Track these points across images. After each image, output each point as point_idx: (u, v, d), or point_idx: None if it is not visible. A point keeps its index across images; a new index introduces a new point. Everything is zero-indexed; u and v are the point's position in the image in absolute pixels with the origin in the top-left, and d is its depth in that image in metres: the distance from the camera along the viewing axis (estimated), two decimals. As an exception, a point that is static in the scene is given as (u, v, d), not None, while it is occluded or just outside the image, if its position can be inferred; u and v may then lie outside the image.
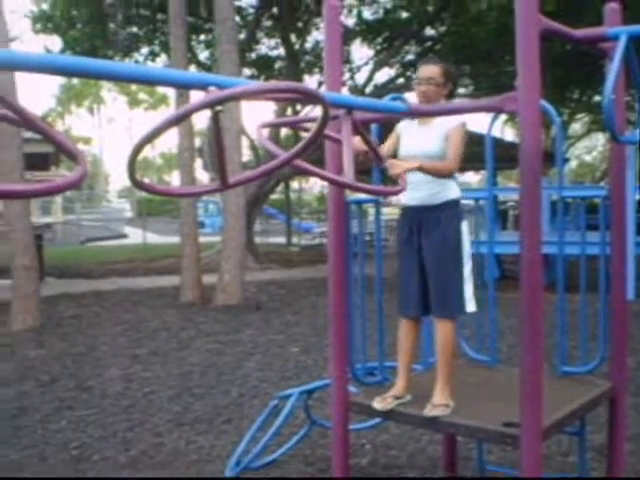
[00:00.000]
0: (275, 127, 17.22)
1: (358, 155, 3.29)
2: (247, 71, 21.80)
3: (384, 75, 23.01)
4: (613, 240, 4.07)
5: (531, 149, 3.12)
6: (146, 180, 2.66)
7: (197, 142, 20.44)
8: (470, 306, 3.90)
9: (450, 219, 3.86)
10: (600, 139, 49.50)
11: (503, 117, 20.80)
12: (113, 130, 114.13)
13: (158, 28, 20.32)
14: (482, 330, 4.64)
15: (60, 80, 61.35)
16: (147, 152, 60.30)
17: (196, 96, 2.28)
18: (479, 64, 19.93)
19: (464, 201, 4.10)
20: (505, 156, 8.66)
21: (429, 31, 20.22)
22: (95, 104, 70.04)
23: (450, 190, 3.91)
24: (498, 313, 4.63)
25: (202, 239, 15.00)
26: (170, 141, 68.47)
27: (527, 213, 3.17)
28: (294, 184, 33.36)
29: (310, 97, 2.52)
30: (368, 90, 20.62)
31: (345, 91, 16.43)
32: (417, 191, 3.86)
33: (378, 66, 21.05)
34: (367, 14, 20.53)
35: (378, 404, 3.83)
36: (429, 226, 3.87)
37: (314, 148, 2.62)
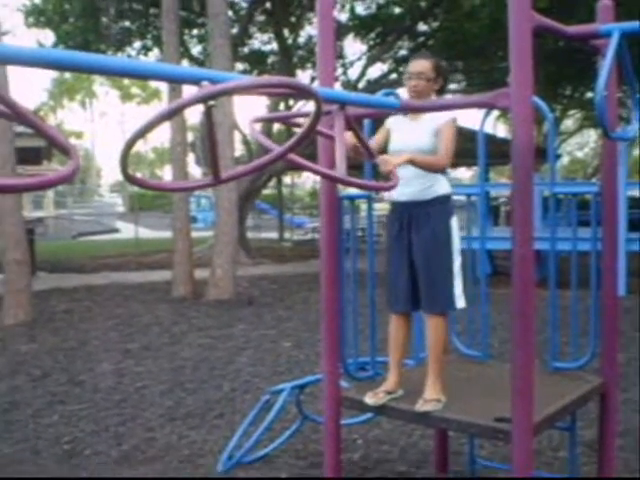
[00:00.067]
0: (268, 122, 17.20)
1: (348, 150, 3.29)
2: (240, 66, 21.76)
3: (377, 70, 23.03)
4: (604, 236, 4.09)
5: (523, 145, 3.13)
6: (138, 175, 2.66)
7: (190, 137, 20.39)
8: (460, 302, 3.91)
9: (440, 215, 3.87)
10: (592, 135, 49.59)
11: (495, 113, 20.82)
12: (105, 124, 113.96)
13: (151, 22, 20.27)
14: (474, 325, 4.66)
15: (52, 74, 61.30)
16: (139, 146, 60.16)
17: (189, 91, 2.28)
18: (472, 60, 19.94)
19: (456, 197, 4.11)
20: (497, 152, 8.68)
21: (422, 26, 20.20)
22: (87, 98, 69.89)
23: (440, 185, 3.91)
24: (490, 309, 4.64)
25: (194, 234, 14.98)
26: (162, 135, 68.47)
27: (519, 209, 3.18)
28: (286, 179, 33.30)
29: (303, 92, 2.52)
30: (361, 85, 20.60)
31: (338, 86, 16.42)
32: (407, 186, 3.86)
33: (371, 61, 21.03)
34: (360, 9, 20.50)
35: (370, 399, 3.84)
36: (419, 222, 3.87)
37: (307, 143, 2.63)
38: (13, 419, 6.16)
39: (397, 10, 19.91)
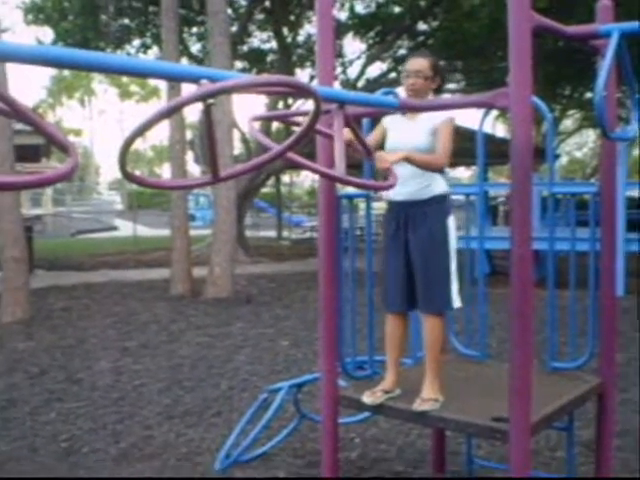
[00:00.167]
0: (267, 120, 17.21)
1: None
2: (239, 64, 21.76)
3: (376, 69, 23.03)
4: (603, 236, 4.09)
5: (522, 145, 3.13)
6: (137, 173, 2.66)
7: (188, 135, 20.41)
8: (456, 302, 3.91)
9: (437, 214, 3.86)
10: (591, 135, 49.64)
11: (494, 113, 20.83)
12: (104, 122, 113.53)
13: (150, 20, 20.27)
14: (472, 325, 4.66)
15: (51, 72, 61.19)
16: (138, 144, 60.15)
17: (188, 89, 2.28)
18: (471, 59, 19.94)
19: (455, 196, 4.11)
20: (496, 152, 8.69)
21: (421, 26, 20.21)
22: (86, 96, 69.88)
23: (437, 185, 3.90)
24: (488, 308, 4.64)
25: (193, 232, 14.98)
26: (161, 134, 68.38)
27: (518, 209, 3.18)
28: (285, 178, 33.35)
29: (302, 91, 2.52)
30: (360, 84, 20.61)
31: (337, 85, 16.42)
32: (404, 186, 3.84)
33: (370, 60, 21.03)
34: (359, 8, 20.52)
35: (367, 398, 3.84)
36: (416, 221, 3.87)
37: (306, 142, 2.63)
38: (10, 417, 6.16)
39: (397, 9, 19.92)
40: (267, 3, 20.19)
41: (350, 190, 3.99)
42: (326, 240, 3.89)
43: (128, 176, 2.39)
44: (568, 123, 40.85)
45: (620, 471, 4.62)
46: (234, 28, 19.49)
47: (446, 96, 19.25)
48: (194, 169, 30.73)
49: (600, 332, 4.14)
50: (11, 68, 11.98)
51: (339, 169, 2.82)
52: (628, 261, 12.04)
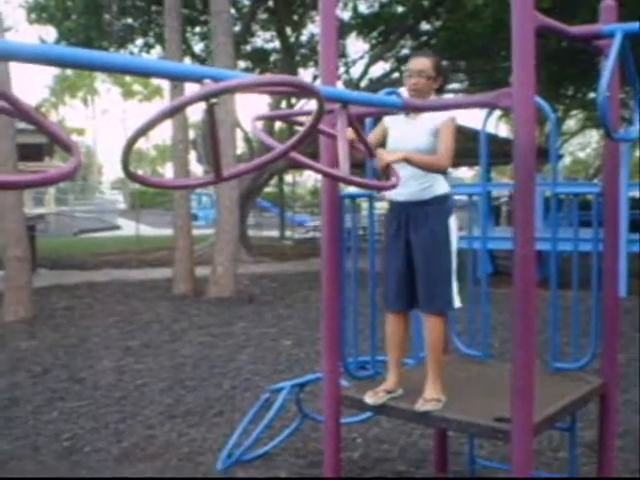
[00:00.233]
0: (269, 120, 17.21)
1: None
2: (242, 64, 21.76)
3: (379, 69, 23.08)
4: (606, 237, 4.09)
5: (525, 145, 3.12)
6: (139, 172, 2.66)
7: (191, 134, 20.39)
8: (456, 302, 3.91)
9: (438, 214, 3.86)
10: (594, 136, 49.61)
11: (497, 113, 20.82)
12: (107, 121, 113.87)
13: (153, 20, 20.27)
14: (474, 325, 4.65)
15: (54, 71, 61.30)
16: (141, 144, 60.11)
17: (191, 88, 2.28)
18: (474, 59, 19.93)
19: (458, 197, 4.11)
20: (499, 152, 8.68)
21: (425, 26, 20.20)
22: (89, 95, 69.87)
23: (439, 185, 3.90)
24: (490, 308, 4.64)
25: (195, 232, 14.98)
26: (164, 133, 68.43)
27: (520, 209, 3.17)
28: (288, 177, 33.33)
29: (306, 91, 2.52)
30: (363, 84, 20.61)
31: (340, 85, 16.42)
32: (405, 186, 3.84)
33: (373, 60, 21.02)
34: (363, 8, 20.52)
35: (370, 398, 3.84)
36: (417, 221, 3.86)
37: (309, 142, 2.63)
38: (13, 415, 6.16)
39: (400, 9, 19.91)
40: (270, 3, 20.18)
41: (353, 190, 3.98)
42: (329, 240, 3.89)
43: (131, 175, 2.39)
44: (571, 123, 40.85)
45: (621, 471, 4.62)
46: (237, 28, 19.49)
47: (449, 96, 19.26)
48: (197, 169, 30.71)
49: (602, 333, 4.13)
50: (14, 67, 11.99)
51: (343, 169, 2.82)
52: (631, 262, 12.04)
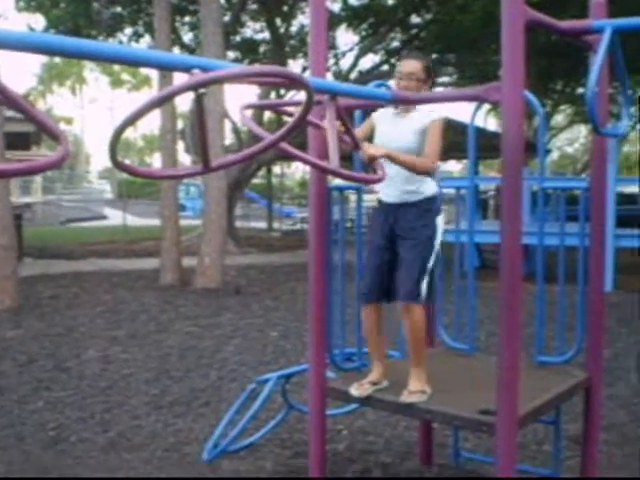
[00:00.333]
0: (258, 109, 17.16)
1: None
2: (231, 54, 21.69)
3: (368, 61, 23.03)
4: (592, 232, 4.10)
5: (513, 139, 3.13)
6: (127, 162, 2.65)
7: (179, 124, 20.33)
8: (422, 297, 3.87)
9: (426, 215, 3.86)
10: (582, 131, 49.76)
11: (486, 107, 20.83)
12: (95, 110, 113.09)
13: (142, 9, 20.17)
14: (461, 318, 4.67)
15: (42, 59, 60.90)
16: (129, 133, 59.93)
17: (179, 78, 2.28)
18: (464, 53, 19.93)
19: (445, 190, 4.11)
20: (487, 146, 8.71)
21: (415, 18, 20.19)
22: (77, 84, 69.48)
23: (427, 187, 3.89)
24: (477, 302, 4.65)
25: (183, 222, 14.96)
26: (152, 123, 68.08)
27: (508, 203, 3.18)
28: (276, 169, 33.33)
29: (295, 82, 2.52)
30: (352, 76, 20.59)
31: (329, 77, 16.40)
32: (393, 188, 3.86)
33: (363, 52, 21.01)
34: (353, 0, 20.48)
35: (355, 391, 3.85)
36: (405, 222, 3.86)
37: (297, 132, 2.62)
38: (-2, 404, 6.15)
39: (390, 1, 19.90)
40: (260, -7, 20.14)
41: (341, 182, 3.98)
42: (316, 232, 3.89)
43: (118, 165, 2.38)
44: (560, 118, 40.92)
45: (605, 466, 4.64)
46: (227, 18, 19.43)
47: (439, 89, 19.26)
48: (185, 159, 30.64)
49: (588, 327, 4.16)
50: (2, 55, 11.89)
51: (333, 161, 2.82)
52: (617, 257, 12.09)
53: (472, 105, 4.57)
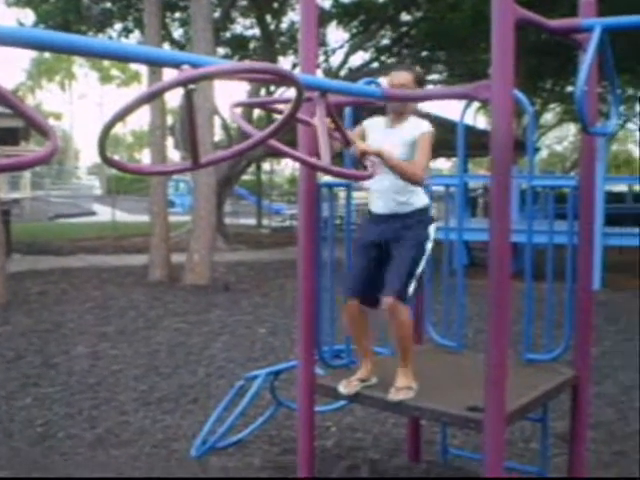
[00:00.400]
0: (248, 107, 17.14)
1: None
2: (221, 50, 21.66)
3: (359, 59, 23.02)
4: (581, 230, 4.12)
5: (502, 137, 3.14)
6: (116, 157, 2.64)
7: (169, 120, 20.30)
8: (408, 297, 3.86)
9: (418, 226, 3.86)
10: (571, 129, 49.96)
11: (476, 105, 20.88)
12: (84, 106, 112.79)
13: (132, 4, 20.12)
14: (449, 316, 4.68)
15: (31, 54, 60.66)
16: (118, 129, 59.76)
17: (169, 74, 2.27)
18: (454, 51, 19.97)
19: (435, 187, 4.11)
20: (477, 143, 8.73)
21: (405, 16, 20.19)
22: (66, 79, 69.23)
23: (418, 199, 3.91)
24: (465, 299, 4.66)
25: (172, 218, 14.93)
26: (142, 119, 67.85)
27: (497, 201, 3.19)
28: (265, 165, 33.28)
29: (285, 79, 2.52)
30: (342, 73, 20.59)
31: (319, 74, 16.39)
32: (385, 200, 3.88)
33: (353, 49, 21.02)
34: (344, -3, 20.48)
35: (344, 388, 3.85)
36: (396, 232, 3.86)
37: (287, 129, 2.62)
38: (-15, 400, 6.13)
39: (380, -1, 19.90)
40: (250, -11, 20.10)
41: (330, 179, 3.98)
42: (306, 229, 3.90)
43: (107, 161, 2.38)
44: (549, 117, 41.08)
45: (592, 463, 4.66)
46: (217, 14, 19.39)
47: (429, 87, 19.28)
48: (174, 155, 30.58)
49: (576, 325, 4.17)
50: (-9, 49, 11.84)
51: (324, 158, 2.82)
52: (605, 255, 12.14)
53: (462, 103, 4.58)
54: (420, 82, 3.91)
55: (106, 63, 58.38)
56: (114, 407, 5.96)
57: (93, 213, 34.01)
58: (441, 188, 5.18)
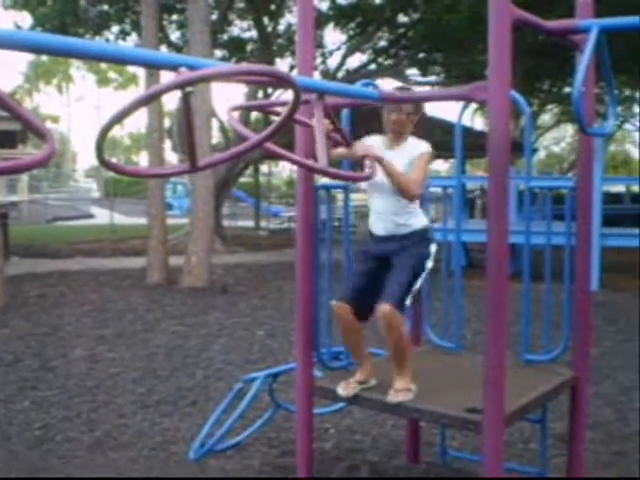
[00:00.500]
0: (246, 110, 17.15)
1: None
2: (218, 53, 21.65)
3: (356, 61, 23.01)
4: (578, 231, 4.12)
5: (500, 139, 3.14)
6: (114, 160, 2.64)
7: (166, 123, 20.28)
8: (404, 308, 3.85)
9: (418, 245, 3.84)
10: (569, 130, 49.97)
11: (473, 106, 20.88)
12: (82, 109, 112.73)
13: (129, 7, 20.10)
14: (447, 317, 4.68)
15: (28, 57, 60.56)
16: (115, 132, 59.75)
17: (166, 77, 2.27)
18: (451, 52, 19.95)
19: (433, 189, 4.11)
20: (474, 145, 8.71)
21: (402, 18, 20.19)
22: (64, 82, 69.20)
23: (417, 220, 3.89)
24: (464, 301, 4.66)
25: (170, 221, 14.92)
26: (139, 121, 67.87)
27: (495, 202, 3.19)
28: (263, 168, 33.26)
29: (282, 81, 2.52)
30: (340, 75, 20.59)
31: (317, 76, 16.39)
32: (384, 222, 3.87)
33: (350, 51, 21.01)
34: (341, -2, 20.49)
35: (343, 390, 3.85)
36: (396, 252, 3.85)
37: (284, 132, 2.62)
38: (-16, 404, 6.12)
39: (377, 0, 19.90)
40: (248, -8, 20.10)
41: (328, 181, 3.98)
42: (303, 231, 3.89)
43: (105, 163, 2.38)
44: (546, 118, 41.09)
45: (591, 464, 4.66)
46: (214, 16, 19.38)
47: (426, 88, 19.31)
48: (172, 157, 30.58)
49: (574, 326, 4.17)
50: (-12, 52, 11.85)
51: (322, 161, 2.82)
52: (603, 256, 12.15)
53: (459, 104, 4.58)
54: (418, 104, 3.90)
55: (103, 66, 58.33)
56: (112, 410, 5.96)
57: (91, 216, 34.00)
58: (439, 189, 5.18)
